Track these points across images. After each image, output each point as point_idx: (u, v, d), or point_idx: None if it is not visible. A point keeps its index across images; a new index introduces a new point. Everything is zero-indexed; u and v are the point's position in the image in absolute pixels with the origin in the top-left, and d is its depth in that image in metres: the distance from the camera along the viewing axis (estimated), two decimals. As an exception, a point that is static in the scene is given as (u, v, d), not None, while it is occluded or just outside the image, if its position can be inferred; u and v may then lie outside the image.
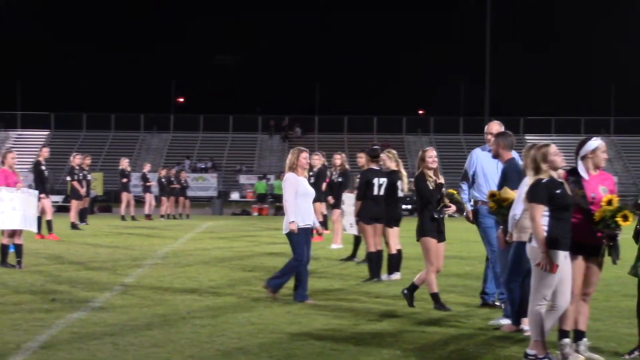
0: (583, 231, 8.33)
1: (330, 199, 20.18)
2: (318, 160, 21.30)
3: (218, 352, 8.20)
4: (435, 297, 11.01)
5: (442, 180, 11.25)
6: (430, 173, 11.10)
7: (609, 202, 8.19)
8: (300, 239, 11.55)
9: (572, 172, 8.50)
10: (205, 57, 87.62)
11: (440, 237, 11.14)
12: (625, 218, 8.08)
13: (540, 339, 7.93)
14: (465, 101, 75.62)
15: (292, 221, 11.42)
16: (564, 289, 7.99)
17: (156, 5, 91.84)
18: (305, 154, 11.91)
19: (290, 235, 11.54)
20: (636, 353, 7.42)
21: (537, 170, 8.05)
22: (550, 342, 7.97)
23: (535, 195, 7.96)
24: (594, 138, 8.89)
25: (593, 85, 78.29)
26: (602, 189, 8.50)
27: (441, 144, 60.38)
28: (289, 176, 11.76)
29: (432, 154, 11.22)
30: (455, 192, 11.40)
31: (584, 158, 8.66)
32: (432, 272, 10.94)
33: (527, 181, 8.26)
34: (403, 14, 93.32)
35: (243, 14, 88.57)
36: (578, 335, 8.39)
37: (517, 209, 8.92)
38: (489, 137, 10.82)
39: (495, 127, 10.88)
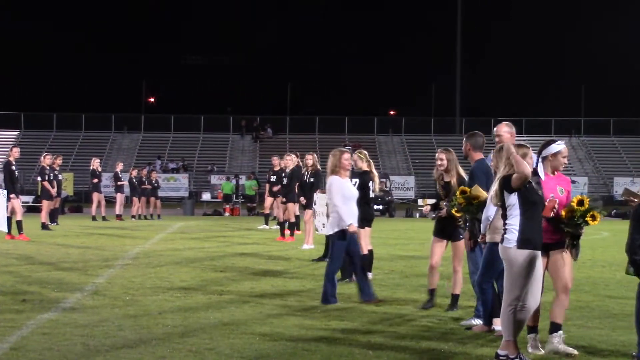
0: (546, 231, 8.46)
1: (302, 200, 20.19)
2: (291, 162, 21.35)
3: (190, 353, 8.18)
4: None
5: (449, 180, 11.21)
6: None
7: (580, 203, 8.29)
8: (343, 242, 11.50)
9: (532, 173, 8.59)
10: (176, 58, 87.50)
11: (438, 234, 11.18)
12: (594, 218, 8.19)
13: (512, 339, 7.98)
14: (437, 101, 75.96)
15: (350, 223, 11.41)
16: (534, 290, 8.06)
17: (128, 6, 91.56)
18: (347, 155, 11.90)
19: (333, 236, 11.53)
20: None
21: (510, 167, 8.13)
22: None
23: (503, 183, 8.04)
24: (558, 142, 8.98)
25: (564, 87, 78.93)
26: (559, 190, 8.60)
27: (412, 145, 60.68)
28: (333, 180, 11.64)
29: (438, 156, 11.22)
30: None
31: (544, 159, 8.77)
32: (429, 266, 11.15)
33: (502, 173, 8.34)
34: (375, 15, 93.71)
35: (213, 14, 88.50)
36: (555, 327, 8.50)
37: (491, 210, 8.98)
38: (498, 139, 10.35)
39: (504, 128, 10.38)
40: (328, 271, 11.64)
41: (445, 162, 10.88)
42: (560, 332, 8.56)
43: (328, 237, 11.68)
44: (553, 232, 8.46)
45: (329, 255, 11.72)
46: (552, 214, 8.33)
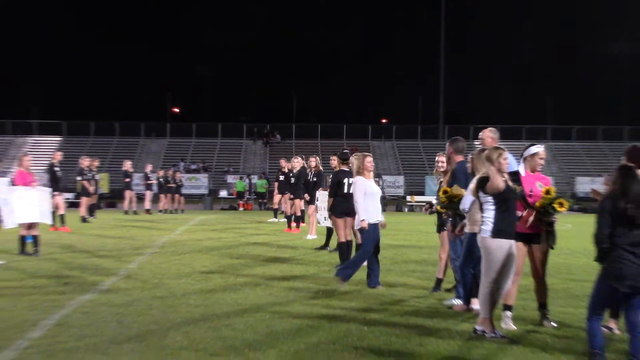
0: (526, 223, 8.47)
1: (306, 196, 20.20)
2: (298, 163, 21.36)
3: (209, 329, 8.21)
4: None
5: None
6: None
7: (548, 192, 8.34)
8: (369, 233, 11.44)
9: (513, 173, 8.62)
10: (196, 73, 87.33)
11: (437, 228, 11.15)
12: (561, 205, 8.22)
13: (489, 316, 8.01)
14: (423, 111, 75.86)
15: (363, 219, 11.36)
16: (507, 273, 8.09)
17: (153, 26, 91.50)
18: (369, 158, 11.87)
19: (360, 230, 11.49)
20: None
21: (491, 167, 8.14)
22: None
23: (479, 183, 8.06)
24: (538, 145, 9.04)
25: (533, 97, 78.88)
26: (538, 185, 8.62)
27: (402, 149, 60.60)
28: (357, 179, 11.61)
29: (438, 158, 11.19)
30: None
31: (525, 159, 8.83)
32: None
33: (481, 174, 8.35)
34: (370, 38, 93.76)
35: (228, 32, 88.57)
36: (541, 306, 8.74)
37: (466, 203, 9.00)
38: (481, 142, 10.28)
39: (488, 133, 10.19)
40: (357, 255, 11.64)
41: (444, 164, 10.87)
42: (545, 309, 8.70)
43: (328, 228, 11.64)
44: (533, 225, 8.49)
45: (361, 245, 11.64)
46: (527, 225, 8.37)
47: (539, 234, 8.59)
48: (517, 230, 8.42)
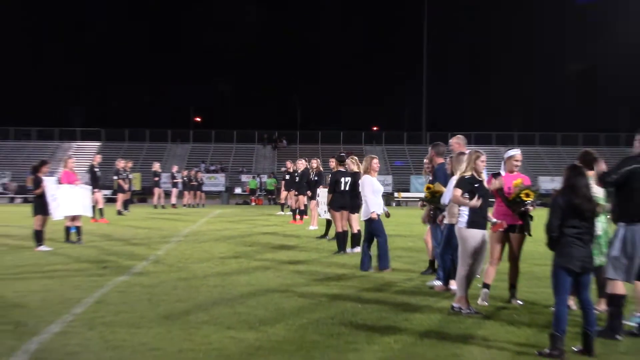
0: (504, 214, 8.52)
1: (309, 193, 20.25)
2: (302, 165, 21.39)
3: (226, 306, 8.24)
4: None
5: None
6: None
7: (515, 185, 8.38)
8: (379, 223, 11.44)
9: (496, 174, 8.75)
10: (215, 87, 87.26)
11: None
12: (528, 195, 8.25)
13: (464, 295, 8.04)
14: (408, 119, 75.75)
15: (373, 211, 11.33)
16: (479, 258, 8.15)
17: (179, 48, 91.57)
18: (376, 160, 11.92)
19: (370, 221, 11.43)
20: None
21: (466, 169, 8.18)
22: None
23: (459, 184, 8.11)
24: (514, 150, 9.16)
25: (502, 108, 78.71)
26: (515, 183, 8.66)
27: (390, 152, 60.50)
28: (365, 178, 11.61)
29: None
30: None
31: (504, 162, 8.92)
32: None
33: (456, 177, 8.39)
34: (364, 56, 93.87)
35: (242, 55, 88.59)
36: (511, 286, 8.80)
37: (446, 198, 9.03)
38: (451, 147, 10.29)
39: (454, 139, 10.16)
40: (380, 244, 11.52)
41: (430, 166, 10.87)
42: (514, 289, 8.77)
43: (365, 222, 11.58)
44: (512, 217, 8.52)
45: (376, 234, 11.59)
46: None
47: (515, 225, 8.61)
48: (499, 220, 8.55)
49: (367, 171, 11.69)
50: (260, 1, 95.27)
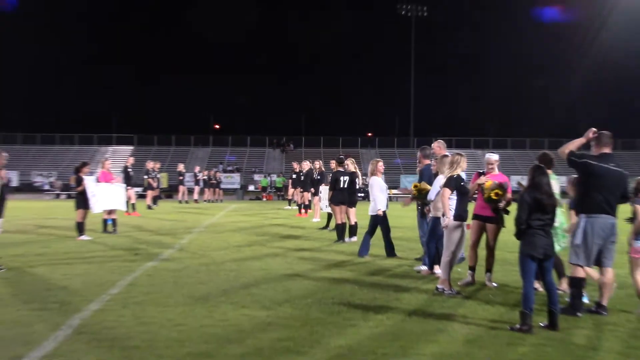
0: (483, 207, 8.52)
1: (312, 190, 20.27)
2: (306, 165, 21.38)
3: (241, 287, 8.24)
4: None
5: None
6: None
7: (488, 187, 8.38)
8: (384, 218, 11.37)
9: (481, 173, 8.79)
10: (233, 99, 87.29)
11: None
12: (497, 194, 8.24)
13: (447, 278, 8.04)
14: (399, 127, 75.73)
15: (379, 209, 11.26)
16: (460, 246, 8.15)
17: (199, 65, 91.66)
18: (381, 163, 11.82)
19: (376, 216, 11.35)
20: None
21: (452, 169, 8.19)
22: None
23: (448, 183, 8.11)
24: (489, 153, 9.19)
25: (477, 117, 78.62)
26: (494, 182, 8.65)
27: (383, 155, 60.44)
28: (373, 179, 11.47)
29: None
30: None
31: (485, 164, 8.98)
32: None
33: (443, 177, 8.38)
34: (362, 73, 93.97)
35: (253, 74, 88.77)
36: (488, 270, 8.77)
37: (432, 195, 9.01)
38: (433, 151, 10.32)
39: (435, 144, 10.23)
40: (385, 235, 11.48)
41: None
42: (489, 273, 8.68)
43: (371, 216, 11.49)
44: (486, 210, 8.53)
45: (381, 229, 11.47)
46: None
47: (492, 217, 8.60)
48: (478, 213, 8.56)
49: (374, 173, 11.58)
50: (267, 27, 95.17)
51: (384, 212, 11.39)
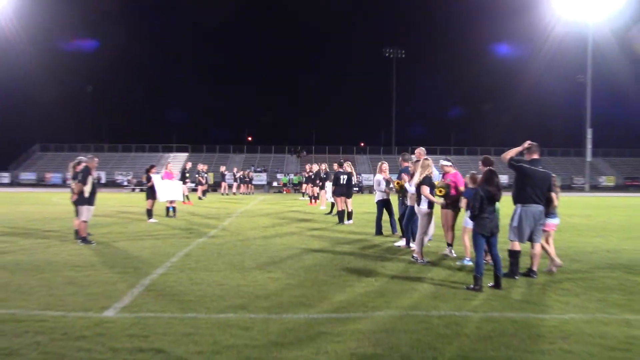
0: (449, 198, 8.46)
1: (320, 185, 20.24)
2: (316, 167, 21.39)
3: (268, 258, 8.23)
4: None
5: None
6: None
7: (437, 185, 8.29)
8: (382, 203, 11.15)
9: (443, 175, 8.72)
10: (260, 117, 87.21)
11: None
12: (440, 191, 8.19)
13: (420, 250, 8.01)
14: (384, 137, 75.35)
15: (381, 198, 11.11)
16: (432, 226, 8.12)
17: (239, 87, 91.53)
18: (385, 164, 11.51)
19: (380, 202, 11.17)
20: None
21: (423, 171, 8.15)
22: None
23: (424, 181, 8.05)
24: (443, 159, 9.05)
25: (440, 129, 78.14)
26: (448, 180, 8.58)
27: (372, 159, 60.32)
28: (378, 176, 11.26)
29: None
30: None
31: (441, 167, 8.86)
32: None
33: (417, 175, 8.28)
34: (353, 94, 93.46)
35: (274, 100, 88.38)
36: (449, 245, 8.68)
37: (410, 189, 8.99)
38: (415, 154, 9.80)
39: (417, 150, 9.68)
40: (393, 223, 11.22)
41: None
42: (451, 247, 8.63)
43: (377, 202, 11.27)
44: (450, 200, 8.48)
45: (389, 214, 11.26)
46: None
47: (447, 204, 8.54)
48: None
49: (379, 171, 11.39)
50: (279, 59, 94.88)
51: (382, 200, 11.21)
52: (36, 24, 54.46)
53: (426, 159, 8.33)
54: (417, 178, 8.27)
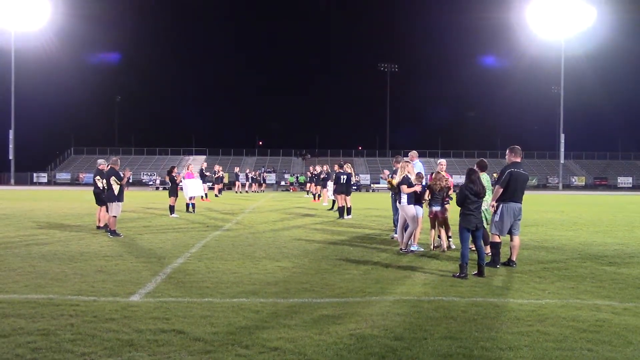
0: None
1: (322, 184, 20.22)
2: (319, 168, 21.36)
3: (276, 248, 8.21)
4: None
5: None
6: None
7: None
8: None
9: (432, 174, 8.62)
10: (268, 126, 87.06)
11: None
12: (389, 183, 8.17)
13: (407, 242, 7.96)
14: (379, 142, 75.22)
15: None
16: (417, 221, 8.05)
17: (251, 101, 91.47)
18: (387, 173, 10.89)
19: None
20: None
21: (403, 171, 8.11)
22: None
23: (403, 181, 7.99)
24: (440, 159, 8.99)
25: (429, 134, 77.75)
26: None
27: (369, 162, 60.28)
28: (382, 175, 11.04)
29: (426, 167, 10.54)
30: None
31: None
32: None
33: (398, 176, 8.24)
34: (358, 103, 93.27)
35: (282, 108, 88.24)
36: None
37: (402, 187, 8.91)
38: (409, 157, 9.56)
39: (410, 152, 9.61)
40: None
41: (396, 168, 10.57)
42: (450, 239, 8.48)
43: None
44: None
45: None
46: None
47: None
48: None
49: (383, 172, 11.25)
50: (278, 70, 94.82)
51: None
52: (72, 42, 55.03)
53: (406, 161, 8.29)
54: (398, 178, 8.23)
